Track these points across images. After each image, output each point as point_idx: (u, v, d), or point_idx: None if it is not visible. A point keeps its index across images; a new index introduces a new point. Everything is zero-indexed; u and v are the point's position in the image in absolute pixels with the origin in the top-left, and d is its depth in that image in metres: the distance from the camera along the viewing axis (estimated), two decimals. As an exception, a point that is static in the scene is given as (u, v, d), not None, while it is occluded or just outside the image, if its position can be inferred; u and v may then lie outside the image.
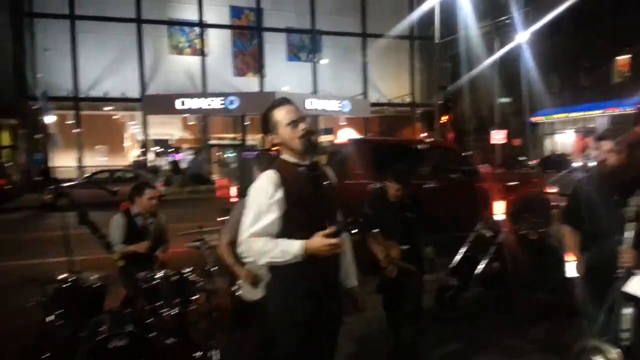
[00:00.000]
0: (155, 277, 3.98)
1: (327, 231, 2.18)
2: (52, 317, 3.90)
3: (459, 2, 22.65)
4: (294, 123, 2.40)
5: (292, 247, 2.20)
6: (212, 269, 4.40)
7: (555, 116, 28.16)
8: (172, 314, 3.90)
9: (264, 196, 2.31)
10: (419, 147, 8.49)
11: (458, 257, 5.28)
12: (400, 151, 8.09)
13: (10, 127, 26.12)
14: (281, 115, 2.43)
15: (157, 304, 3.89)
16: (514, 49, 23.70)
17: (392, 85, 29.70)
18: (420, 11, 24.73)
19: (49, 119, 23.41)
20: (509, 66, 25.67)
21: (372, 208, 4.17)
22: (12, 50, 22.45)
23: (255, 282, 3.62)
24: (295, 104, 2.51)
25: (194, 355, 4.00)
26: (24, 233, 12.22)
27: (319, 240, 2.17)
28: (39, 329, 4.09)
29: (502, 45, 23.80)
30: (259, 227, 2.28)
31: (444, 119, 24.91)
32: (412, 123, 29.76)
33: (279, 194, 2.31)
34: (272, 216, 2.29)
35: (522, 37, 22.64)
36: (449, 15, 24.41)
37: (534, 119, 28.76)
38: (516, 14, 22.76)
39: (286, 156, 2.46)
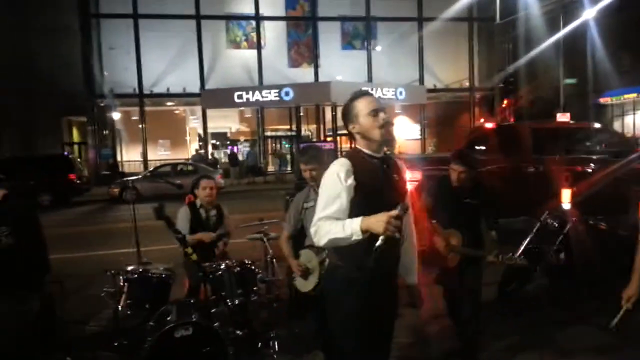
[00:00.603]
0: (219, 268, 4.09)
1: (391, 213, 2.14)
2: (122, 306, 4.11)
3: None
4: (374, 112, 2.44)
5: (352, 222, 2.23)
6: (272, 261, 4.48)
7: (625, 96, 26.39)
8: (234, 304, 4.01)
9: (336, 182, 2.36)
10: (575, 129, 8.88)
11: (522, 248, 5.10)
12: (560, 134, 8.58)
13: (80, 124, 27.65)
14: (362, 105, 2.47)
15: (220, 295, 4.00)
16: (579, 26, 22.42)
17: (450, 69, 28.89)
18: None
19: (116, 115, 24.54)
20: (574, 45, 24.30)
21: (431, 196, 4.09)
22: (80, 51, 23.64)
23: (306, 274, 3.66)
24: (374, 95, 2.55)
25: (255, 344, 4.10)
26: (94, 225, 12.90)
27: (377, 216, 2.15)
28: (111, 317, 4.32)
29: (566, 24, 22.57)
30: (329, 211, 2.32)
31: (505, 102, 24.01)
32: (470, 108, 28.89)
33: (351, 181, 2.36)
34: (343, 202, 2.34)
35: (589, 13, 21.35)
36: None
37: (601, 100, 27.16)
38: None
39: (361, 146, 2.50)
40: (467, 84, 28.96)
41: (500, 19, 22.83)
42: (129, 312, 4.14)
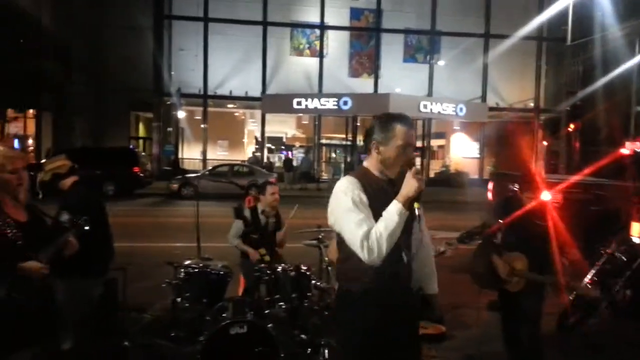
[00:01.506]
0: (275, 270, 4.17)
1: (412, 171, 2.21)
2: (181, 299, 4.26)
3: (596, 1, 20.85)
4: (407, 147, 2.33)
5: (388, 211, 2.20)
6: (327, 268, 4.51)
7: None
8: (288, 307, 4.07)
9: (353, 198, 2.27)
10: None
11: (586, 279, 4.88)
12: None
13: (146, 120, 28.87)
14: (401, 132, 2.34)
15: (275, 297, 4.08)
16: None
17: (514, 89, 28.11)
18: (551, 11, 23.12)
19: (181, 114, 25.45)
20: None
21: (495, 217, 3.89)
22: (151, 50, 24.73)
23: None
24: (414, 127, 2.48)
25: (305, 350, 4.13)
26: (154, 217, 13.41)
27: (405, 183, 2.19)
28: (169, 307, 4.48)
29: (644, 49, 21.51)
30: (365, 222, 2.22)
31: (572, 127, 23.09)
32: (533, 129, 27.96)
33: (364, 197, 2.30)
34: (364, 206, 2.27)
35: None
36: (584, 16, 22.56)
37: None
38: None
39: (370, 165, 2.41)
40: (531, 104, 28.08)
41: (572, 40, 22.04)
42: (186, 305, 4.29)
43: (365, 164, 2.46)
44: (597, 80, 23.24)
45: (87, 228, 2.96)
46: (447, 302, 5.38)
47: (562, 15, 22.44)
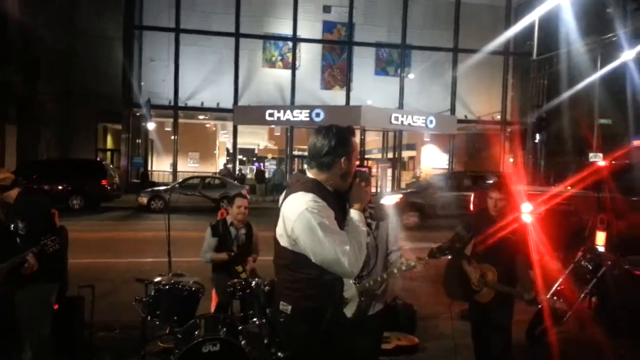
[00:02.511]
0: (248, 285, 4.11)
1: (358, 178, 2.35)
2: (151, 317, 4.16)
3: (561, 18, 21.55)
4: (355, 159, 2.40)
5: (352, 218, 2.32)
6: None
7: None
8: (262, 322, 4.02)
9: (328, 219, 2.23)
10: None
11: (553, 289, 4.99)
12: None
13: (115, 132, 28.34)
14: (355, 144, 2.40)
15: (248, 312, 4.02)
16: (618, 67, 22.13)
17: (482, 101, 28.78)
18: (518, 27, 23.80)
19: (150, 125, 25.10)
20: (612, 86, 23.99)
21: (467, 229, 3.96)
22: (121, 60, 24.36)
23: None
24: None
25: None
26: (122, 232, 13.11)
27: (356, 190, 2.35)
28: (139, 325, 4.38)
29: (604, 64, 22.31)
30: (340, 237, 2.21)
31: (537, 138, 23.68)
32: (500, 141, 28.64)
33: (331, 213, 2.27)
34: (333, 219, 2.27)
35: (628, 54, 21.08)
36: (549, 32, 23.30)
37: (635, 142, 26.58)
38: (623, 31, 21.26)
39: (323, 179, 2.35)
40: (498, 117, 28.78)
41: (537, 55, 22.71)
42: (157, 322, 4.20)
43: (311, 176, 2.37)
44: (561, 93, 24.00)
45: (57, 248, 2.98)
46: (420, 314, 5.42)
47: (528, 31, 23.10)
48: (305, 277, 2.30)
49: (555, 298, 3.76)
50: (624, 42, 21.14)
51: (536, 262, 3.87)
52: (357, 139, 2.49)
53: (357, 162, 2.42)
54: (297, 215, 2.23)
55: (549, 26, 22.68)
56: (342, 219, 2.31)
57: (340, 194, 2.38)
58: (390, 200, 12.09)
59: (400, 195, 15.27)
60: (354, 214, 2.30)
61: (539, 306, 4.29)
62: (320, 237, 2.18)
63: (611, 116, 25.63)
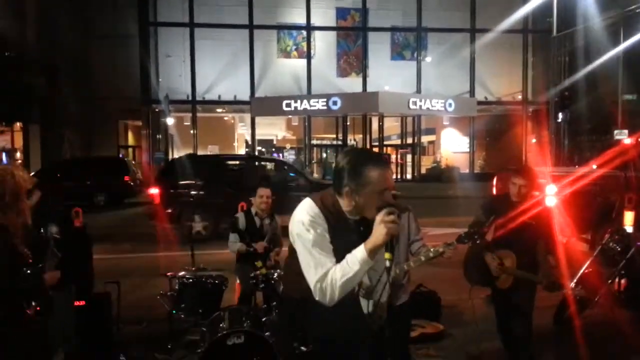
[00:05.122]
0: (271, 277, 4.13)
1: (384, 212, 1.91)
2: (176, 310, 4.22)
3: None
4: (383, 192, 2.03)
5: (353, 255, 1.96)
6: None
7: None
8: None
9: (315, 238, 2.05)
10: None
11: (581, 271, 4.89)
12: None
13: (135, 128, 28.68)
14: (376, 178, 2.02)
15: (272, 304, 4.04)
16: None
17: (502, 82, 28.24)
18: (535, 3, 23.23)
19: (169, 120, 25.32)
20: (637, 60, 23.30)
21: (486, 215, 3.87)
22: (138, 57, 24.57)
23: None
24: (390, 169, 2.16)
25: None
26: (147, 227, 13.27)
27: (376, 227, 1.90)
28: (165, 319, 4.44)
29: (627, 37, 21.65)
30: (325, 263, 2.02)
31: (560, 117, 23.23)
32: (522, 122, 28.13)
33: (327, 235, 2.08)
34: (328, 248, 2.05)
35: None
36: (568, 7, 22.70)
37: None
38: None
39: (341, 202, 2.11)
40: (519, 97, 28.24)
41: (557, 31, 22.16)
42: (182, 316, 4.25)
43: (332, 192, 2.15)
44: (584, 70, 23.41)
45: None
46: (445, 300, 5.38)
47: (547, 7, 22.57)
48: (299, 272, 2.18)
49: (576, 286, 3.68)
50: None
51: (559, 247, 3.78)
52: (386, 169, 2.06)
53: (388, 196, 2.04)
54: (294, 220, 2.14)
55: (568, 1, 22.09)
56: (350, 247, 2.01)
57: (367, 222, 2.05)
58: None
59: None
60: (359, 251, 1.95)
61: (562, 291, 4.21)
62: (300, 246, 2.09)
63: (635, 91, 24.94)
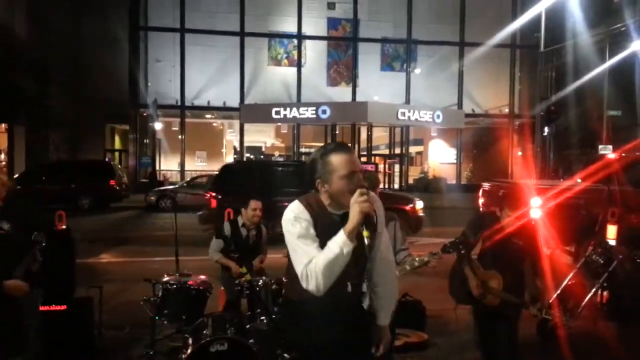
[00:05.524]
0: (255, 283, 4.10)
1: (357, 193, 2.01)
2: (159, 316, 4.16)
3: (568, 9, 21.35)
4: (350, 175, 2.12)
5: (334, 240, 2.04)
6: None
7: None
8: (269, 321, 4.00)
9: (300, 231, 2.16)
10: None
11: (564, 284, 4.93)
12: None
13: (122, 132, 28.49)
14: (338, 163, 2.13)
15: (256, 311, 4.01)
16: (628, 57, 21.87)
17: (489, 95, 28.59)
18: (524, 19, 23.58)
19: (157, 125, 25.19)
20: (621, 77, 23.72)
21: (473, 231, 3.65)
22: (127, 61, 24.46)
23: None
24: (354, 153, 2.26)
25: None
26: (131, 232, 13.16)
27: (351, 209, 2.01)
28: (147, 325, 4.38)
29: (613, 54, 22.06)
30: (309, 254, 2.11)
31: (546, 131, 23.50)
32: (509, 135, 28.45)
33: (312, 230, 2.17)
34: (313, 241, 2.15)
35: (638, 44, 20.82)
36: (556, 23, 23.09)
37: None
38: (632, 21, 21.00)
39: (322, 197, 2.22)
40: (506, 110, 28.58)
41: (545, 47, 22.51)
42: (165, 322, 4.20)
43: (315, 192, 2.28)
44: (570, 86, 23.78)
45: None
46: (430, 310, 5.38)
47: (535, 23, 22.91)
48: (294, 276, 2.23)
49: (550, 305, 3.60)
50: (633, 32, 20.89)
51: (546, 269, 3.70)
52: (349, 154, 2.17)
53: (358, 179, 2.13)
54: (283, 220, 2.23)
55: (556, 17, 22.49)
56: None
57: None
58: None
59: None
60: (338, 235, 2.04)
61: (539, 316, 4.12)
62: (289, 241, 2.20)
63: (620, 107, 25.38)
